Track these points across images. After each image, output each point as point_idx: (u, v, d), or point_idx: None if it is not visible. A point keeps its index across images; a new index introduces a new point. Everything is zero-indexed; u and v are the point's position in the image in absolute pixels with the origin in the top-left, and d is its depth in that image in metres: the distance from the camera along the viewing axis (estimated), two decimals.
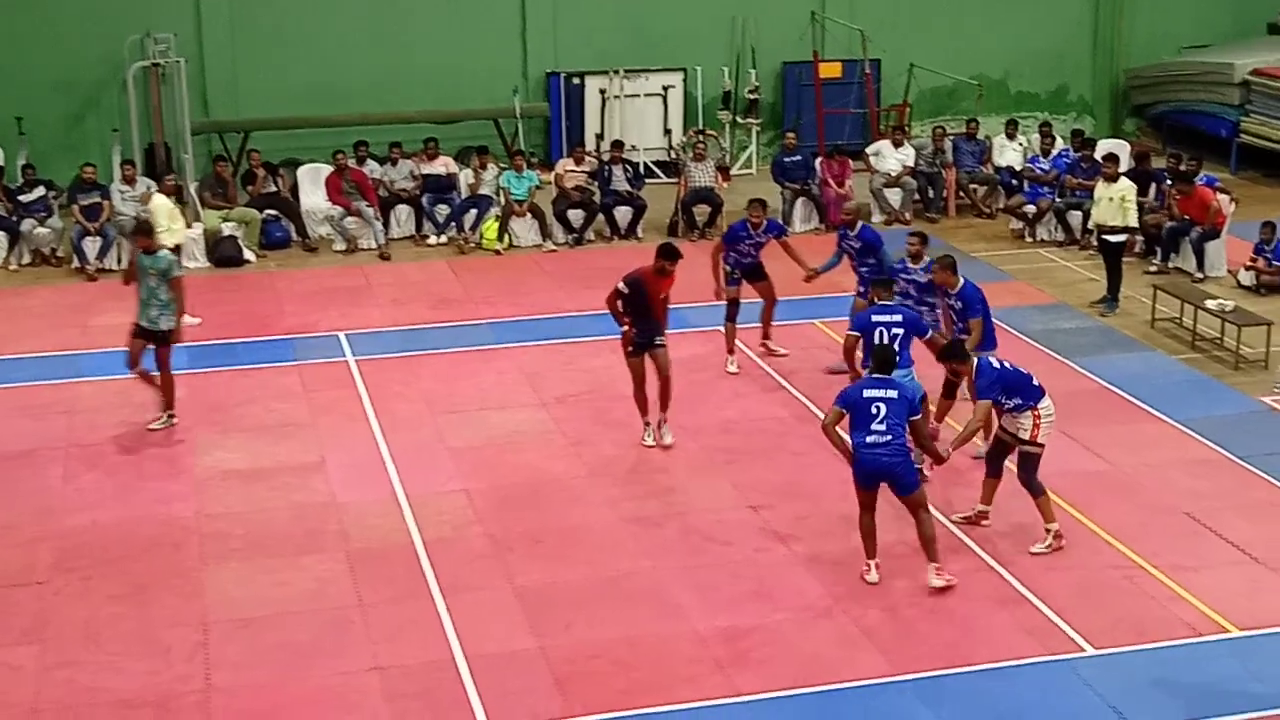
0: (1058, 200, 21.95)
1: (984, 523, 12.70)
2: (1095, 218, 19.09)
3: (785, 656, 10.84)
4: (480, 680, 10.51)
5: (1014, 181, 23.00)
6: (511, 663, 10.74)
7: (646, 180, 23.47)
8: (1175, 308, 18.05)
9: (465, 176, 22.41)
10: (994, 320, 14.24)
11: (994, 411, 12.28)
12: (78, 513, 13.24)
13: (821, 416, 15.01)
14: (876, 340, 13.27)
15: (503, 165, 22.65)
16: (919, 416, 11.80)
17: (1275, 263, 19.38)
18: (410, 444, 14.63)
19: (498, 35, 25.38)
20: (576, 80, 25.29)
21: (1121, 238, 18.59)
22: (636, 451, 14.36)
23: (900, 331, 13.37)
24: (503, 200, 21.86)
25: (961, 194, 23.54)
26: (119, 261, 19.89)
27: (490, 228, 21.72)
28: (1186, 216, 20.23)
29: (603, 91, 25.29)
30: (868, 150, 23.69)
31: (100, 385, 15.88)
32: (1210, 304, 17.42)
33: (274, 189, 22.10)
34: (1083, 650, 10.90)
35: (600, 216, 22.15)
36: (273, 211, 21.83)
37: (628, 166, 22.66)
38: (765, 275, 16.60)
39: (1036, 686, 10.50)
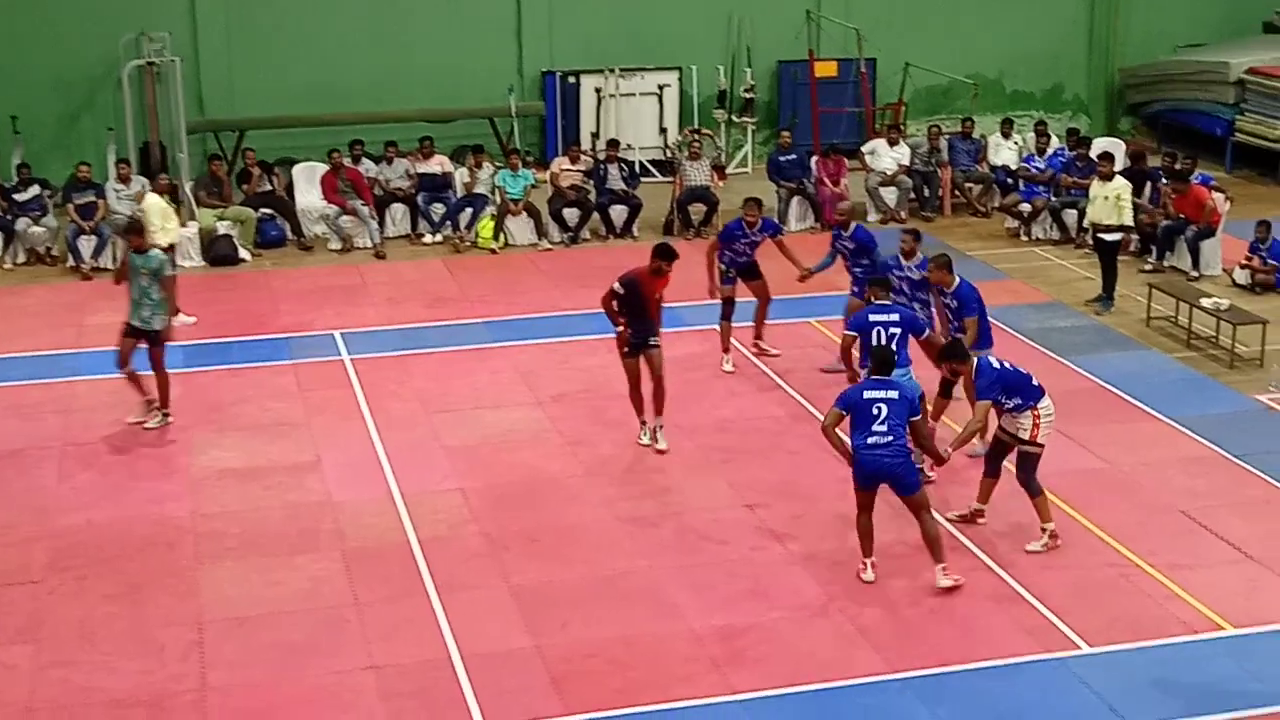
0: (1053, 199, 21.95)
1: (980, 521, 12.70)
2: (1090, 216, 19.10)
3: (781, 655, 10.84)
4: (476, 679, 10.50)
5: (1009, 180, 23.00)
6: (507, 662, 10.73)
7: (642, 179, 23.47)
8: (1170, 306, 18.05)
9: (461, 175, 22.39)
10: (990, 319, 14.24)
11: (993, 411, 12.26)
12: (72, 512, 13.22)
13: (818, 415, 15.08)
14: (874, 340, 13.26)
15: (498, 164, 22.63)
16: (919, 417, 11.79)
17: (1270, 261, 19.39)
18: (405, 443, 14.62)
19: (493, 34, 25.36)
20: (572, 79, 25.27)
21: (1117, 236, 18.59)
22: (632, 450, 14.35)
23: (898, 331, 13.37)
24: (498, 199, 21.85)
25: (957, 193, 23.54)
26: (114, 260, 19.85)
27: (486, 227, 21.71)
28: (1182, 215, 20.24)
29: (598, 90, 25.28)
30: (863, 149, 23.68)
31: (95, 384, 15.85)
32: (1205, 302, 17.43)
33: (269, 188, 22.09)
34: (1079, 649, 10.90)
35: (596, 215, 22.14)
36: (268, 210, 21.81)
37: (623, 165, 22.65)
38: (760, 274, 16.59)
39: (1033, 685, 10.50)
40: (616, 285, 14.04)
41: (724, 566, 12.17)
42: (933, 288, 14.37)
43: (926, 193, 23.29)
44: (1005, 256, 21.06)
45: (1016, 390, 12.12)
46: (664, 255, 14.00)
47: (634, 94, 25.39)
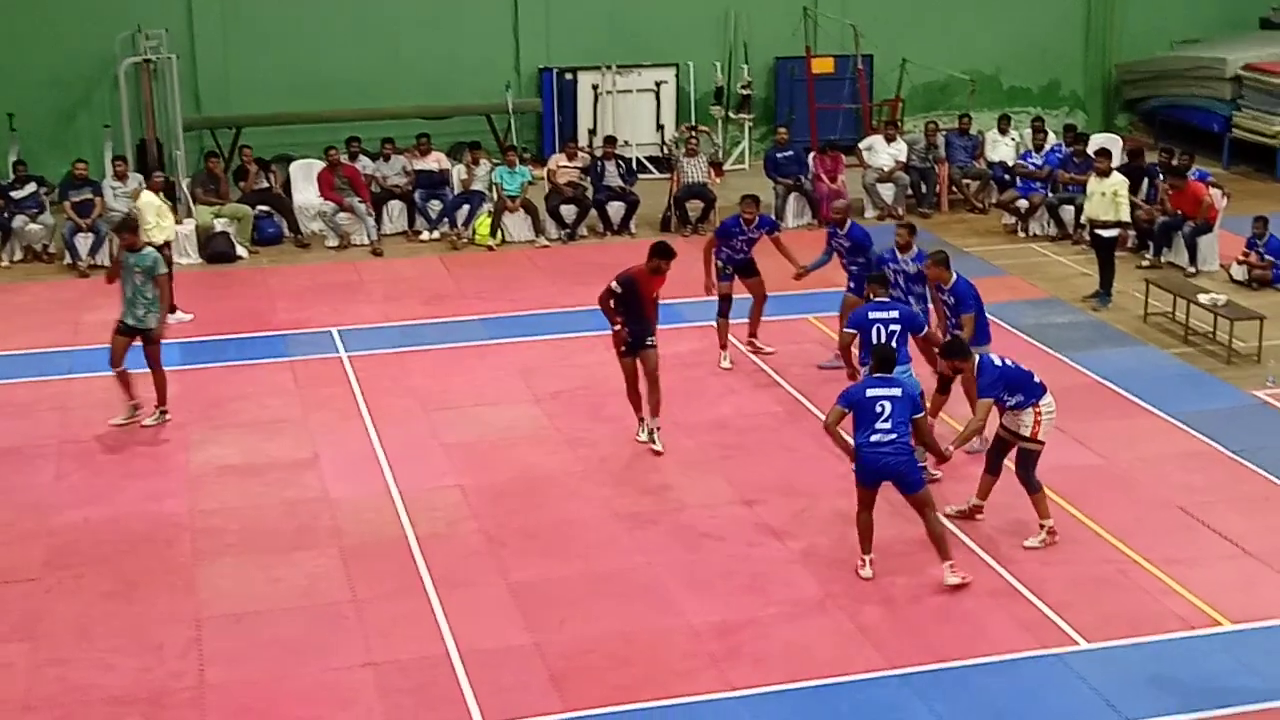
0: (1050, 195, 21.95)
1: (978, 517, 12.70)
2: (1088, 212, 19.10)
3: (780, 651, 10.84)
4: (474, 676, 10.50)
5: (1006, 176, 23.00)
6: (506, 658, 10.73)
7: (639, 176, 23.46)
8: (1168, 302, 18.06)
9: (458, 172, 22.37)
10: (988, 315, 14.25)
11: (994, 409, 12.24)
12: (70, 509, 13.22)
13: (816, 412, 15.12)
14: (874, 338, 13.25)
15: (495, 161, 22.62)
16: (922, 414, 11.78)
17: (1267, 257, 19.40)
18: (403, 440, 14.62)
19: (490, 31, 25.35)
20: (569, 76, 25.25)
21: (1114, 232, 18.60)
22: (630, 447, 14.35)
23: (898, 329, 13.36)
24: (495, 196, 21.84)
25: (954, 189, 23.54)
26: (111, 258, 19.82)
27: (483, 223, 21.70)
28: (1179, 211, 20.25)
29: (595, 87, 25.26)
30: (860, 145, 23.67)
31: (92, 382, 15.83)
32: (1202, 298, 17.43)
33: (266, 185, 22.08)
34: (1076, 644, 10.91)
35: (593, 212, 22.13)
36: (265, 207, 21.80)
37: (620, 162, 22.64)
38: (757, 272, 16.59)
39: (1030, 681, 10.51)
40: (614, 284, 13.99)
41: (722, 563, 12.17)
42: (930, 284, 14.37)
43: (924, 189, 23.29)
44: (1003, 253, 21.07)
45: (1018, 388, 12.12)
46: (662, 254, 13.96)
47: (631, 91, 25.38)
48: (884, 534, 12.02)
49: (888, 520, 12.13)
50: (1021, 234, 22.03)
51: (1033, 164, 22.66)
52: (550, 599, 11.58)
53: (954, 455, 12.30)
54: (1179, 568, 11.97)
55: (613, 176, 22.30)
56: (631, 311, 14.00)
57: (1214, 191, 20.56)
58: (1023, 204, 22.14)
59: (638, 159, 24.70)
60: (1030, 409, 12.14)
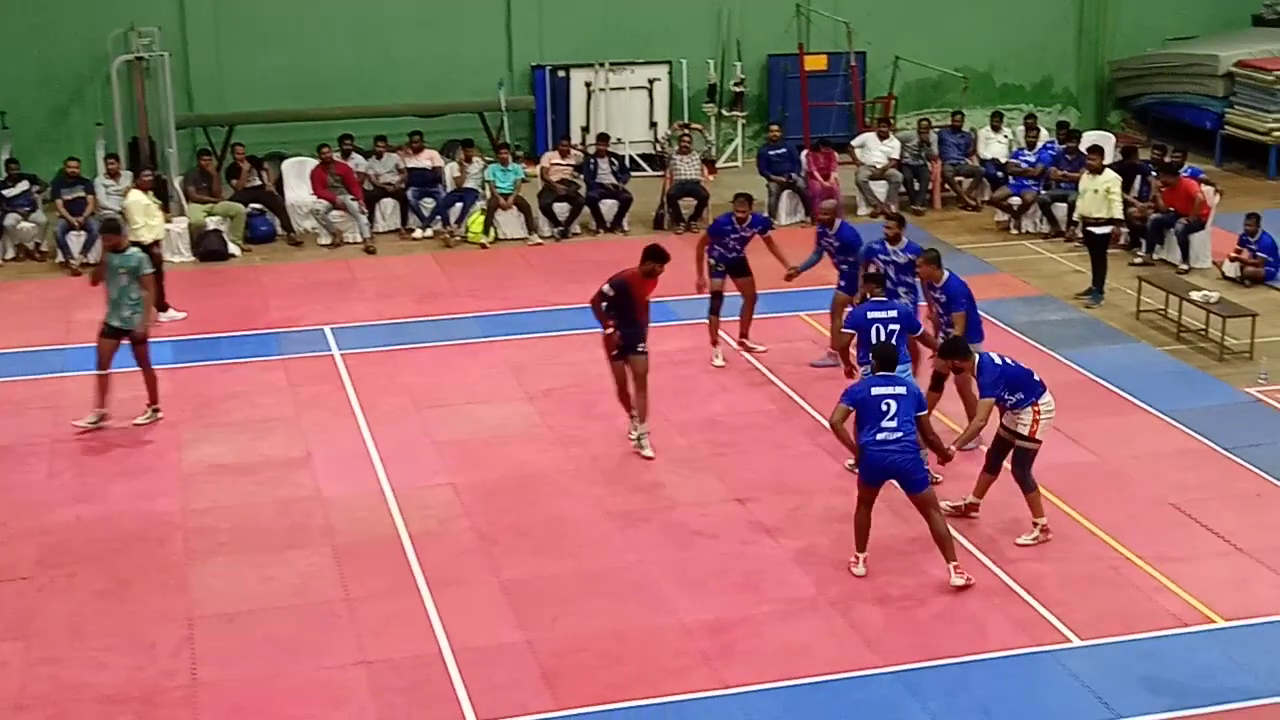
0: (1043, 192, 21.96)
1: (973, 514, 12.70)
2: (1080, 210, 19.11)
3: (772, 649, 10.84)
4: (467, 674, 10.49)
5: (999, 174, 23.01)
6: (498, 656, 10.73)
7: (632, 173, 23.41)
8: (1160, 299, 18.08)
9: (450, 170, 22.36)
10: (981, 313, 14.25)
11: (995, 409, 12.23)
12: (62, 508, 13.20)
13: (809, 410, 15.13)
14: (873, 337, 13.24)
15: (488, 158, 22.60)
16: (925, 412, 11.76)
17: (1259, 254, 19.42)
18: (396, 438, 14.60)
19: (483, 28, 25.34)
20: (562, 73, 25.26)
21: (1106, 229, 18.61)
22: (623, 445, 14.33)
23: (897, 328, 13.34)
24: (488, 194, 21.83)
25: (947, 186, 23.55)
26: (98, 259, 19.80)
27: (476, 221, 21.69)
28: (1171, 208, 20.26)
29: (588, 84, 25.27)
30: (853, 143, 23.68)
31: (84, 380, 15.76)
32: (1195, 295, 17.45)
33: (259, 183, 22.05)
34: (1069, 642, 10.92)
35: (586, 210, 22.12)
36: (257, 205, 21.77)
37: (613, 160, 22.64)
38: (748, 271, 16.57)
39: (1023, 678, 10.52)
40: (606, 287, 13.88)
41: (715, 561, 12.17)
42: (922, 283, 14.37)
43: (916, 186, 23.30)
44: (995, 250, 21.07)
45: (1019, 386, 12.12)
46: (656, 257, 13.86)
47: (624, 88, 25.39)
48: (878, 533, 12.01)
49: (880, 518, 12.10)
50: (1014, 231, 22.04)
51: (1025, 161, 22.68)
52: (542, 597, 11.57)
53: (954, 454, 12.25)
54: (1172, 565, 11.98)
55: (605, 174, 22.30)
56: (624, 315, 13.92)
57: (1206, 189, 20.57)
58: (1015, 201, 22.15)
59: (631, 156, 24.69)
60: (1029, 408, 12.14)
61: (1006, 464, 12.50)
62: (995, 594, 11.59)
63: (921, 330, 13.80)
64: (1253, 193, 23.47)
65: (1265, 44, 26.03)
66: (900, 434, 11.44)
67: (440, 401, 15.55)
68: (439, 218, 21.91)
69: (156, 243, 17.99)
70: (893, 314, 13.49)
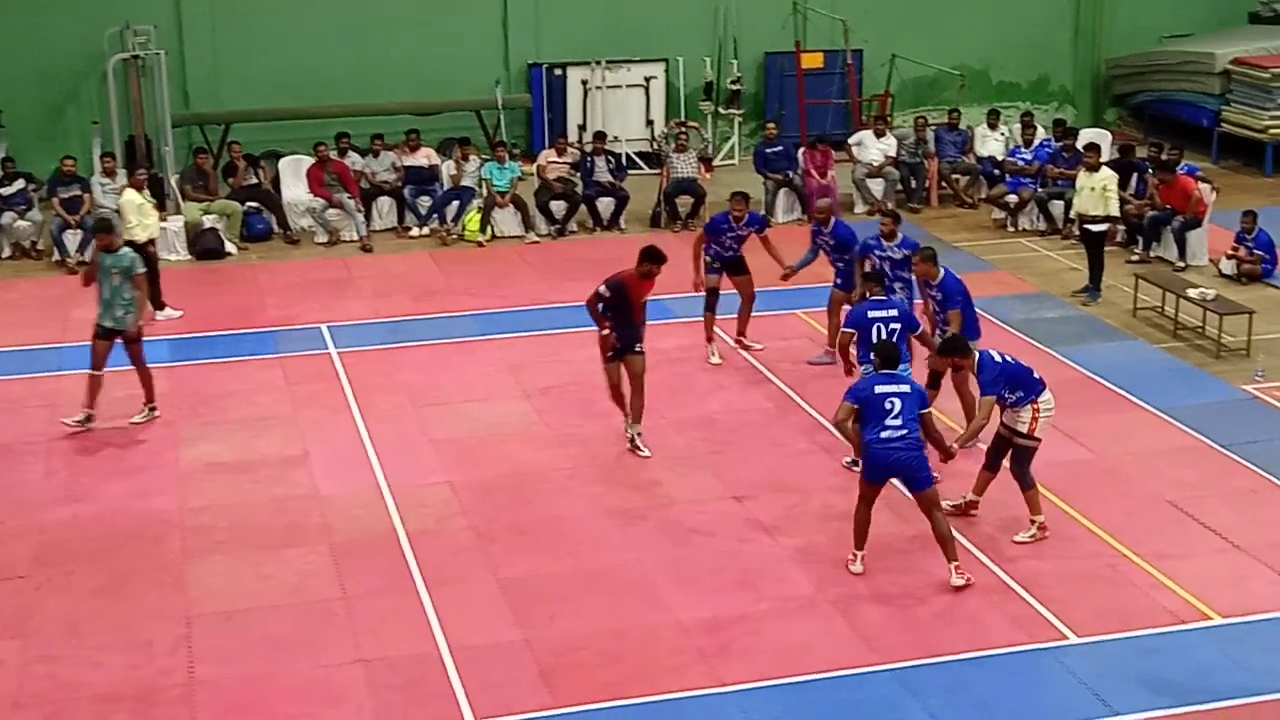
0: (1039, 190, 21.97)
1: (972, 512, 12.69)
2: (1077, 207, 19.11)
3: (769, 647, 10.84)
4: (464, 672, 10.49)
5: (996, 171, 23.01)
6: (496, 655, 10.73)
7: (629, 171, 23.43)
8: (1157, 297, 18.09)
9: (447, 168, 22.34)
10: (978, 310, 14.25)
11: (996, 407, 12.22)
12: (58, 506, 13.20)
13: (806, 408, 15.14)
14: (874, 336, 13.23)
15: (485, 157, 22.59)
16: (928, 411, 11.74)
17: (1256, 251, 19.43)
18: (393, 436, 14.60)
19: (479, 26, 25.33)
20: (558, 71, 25.25)
21: (1103, 227, 18.60)
22: (620, 443, 14.32)
23: (897, 327, 13.34)
24: (485, 192, 21.82)
25: (943, 184, 23.55)
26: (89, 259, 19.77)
27: (472, 219, 21.68)
28: (1168, 206, 20.27)
29: (585, 82, 25.26)
30: (850, 141, 23.67)
31: (80, 379, 15.70)
32: (1192, 293, 17.45)
33: (255, 181, 22.04)
34: (1067, 639, 10.92)
35: (583, 208, 22.11)
36: (254, 204, 21.76)
37: (610, 158, 22.63)
38: (746, 270, 16.56)
39: (1020, 675, 10.53)
40: (602, 288, 13.83)
41: (712, 559, 12.16)
42: (918, 281, 14.38)
43: (913, 184, 23.30)
44: (992, 248, 21.08)
45: (1019, 384, 12.11)
46: (653, 258, 13.82)
47: (620, 86, 25.39)
48: (875, 531, 11.99)
49: (879, 517, 12.08)
50: (1011, 229, 22.04)
51: (1022, 159, 22.68)
52: (540, 595, 11.57)
53: (956, 453, 12.23)
54: (1169, 562, 11.98)
55: (602, 172, 22.29)
56: (620, 316, 13.89)
57: (1203, 186, 20.59)
58: (1012, 199, 22.15)
59: (627, 154, 24.68)
60: (1029, 406, 12.13)
61: (1006, 462, 12.50)
62: (993, 592, 11.59)
63: (921, 329, 13.79)
64: (1249, 190, 23.48)
65: (1261, 41, 26.04)
66: (904, 432, 11.43)
67: (437, 400, 15.55)
68: (436, 216, 21.90)
69: (151, 241, 17.98)
70: (893, 313, 13.49)
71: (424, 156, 22.41)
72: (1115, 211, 18.83)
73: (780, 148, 22.79)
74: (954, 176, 23.50)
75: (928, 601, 11.46)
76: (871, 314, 13.47)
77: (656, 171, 23.48)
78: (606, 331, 13.93)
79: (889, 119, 24.80)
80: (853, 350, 13.58)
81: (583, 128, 24.97)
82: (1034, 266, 20.18)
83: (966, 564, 11.76)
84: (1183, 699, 10.16)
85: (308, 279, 19.85)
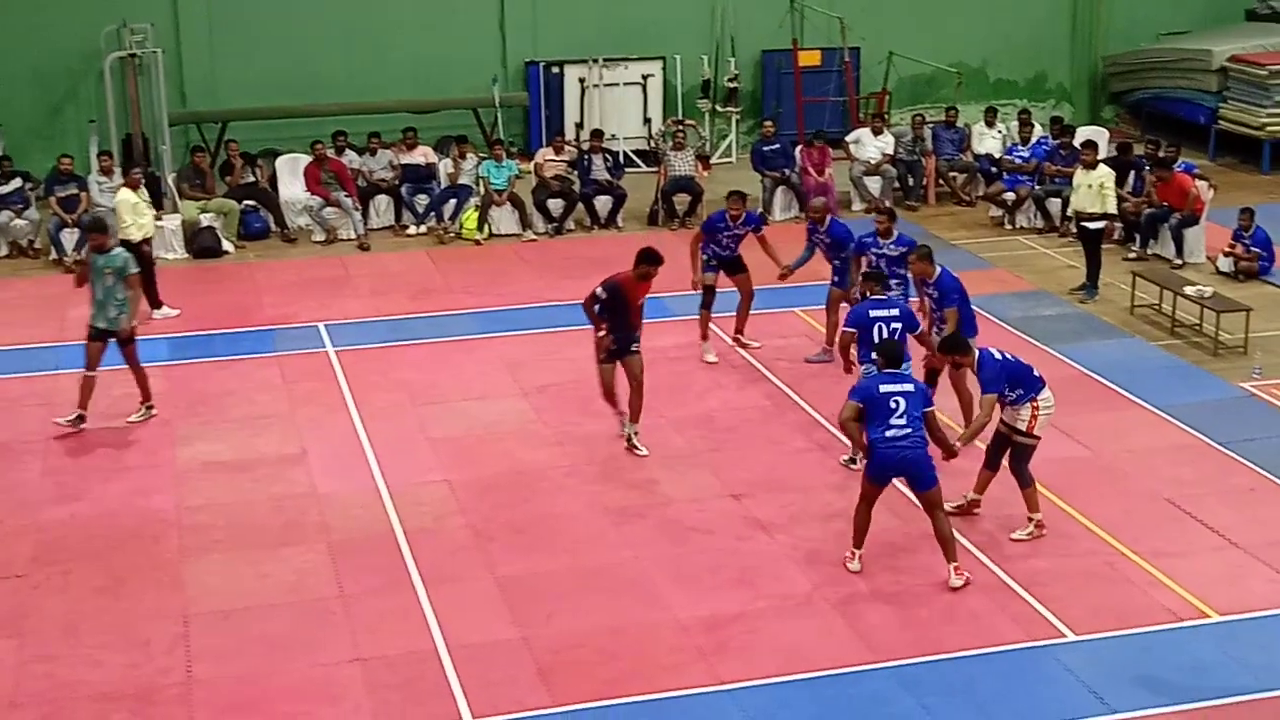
0: (1037, 188, 21.98)
1: (975, 511, 12.67)
2: (1074, 205, 19.11)
3: (767, 645, 10.84)
4: (462, 671, 10.49)
5: (993, 169, 23.02)
6: (494, 653, 10.72)
7: (626, 169, 23.44)
8: (1154, 294, 18.09)
9: (444, 166, 22.34)
10: (975, 308, 14.25)
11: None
12: (57, 505, 13.19)
13: (804, 406, 15.14)
14: (875, 335, 13.22)
15: (482, 155, 22.59)
16: (932, 409, 11.73)
17: (1253, 249, 19.44)
18: (391, 435, 14.60)
19: (476, 24, 25.32)
20: (555, 69, 25.24)
21: (1100, 225, 18.61)
22: (618, 442, 14.31)
23: (899, 326, 13.33)
24: (482, 190, 21.81)
25: (941, 182, 23.56)
26: (79, 260, 19.73)
27: (470, 217, 21.67)
28: (1165, 203, 20.28)
29: (582, 80, 25.25)
30: (847, 139, 23.67)
31: (78, 378, 15.73)
32: (1189, 290, 17.46)
33: (252, 179, 22.04)
34: (1065, 636, 10.93)
35: (580, 206, 22.10)
36: (251, 202, 21.75)
37: (607, 156, 22.63)
38: (744, 268, 16.56)
39: (1018, 672, 10.52)
40: (599, 290, 13.82)
41: (710, 557, 12.16)
42: (915, 280, 14.39)
43: (911, 182, 23.30)
44: (989, 245, 21.08)
45: (1019, 382, 12.11)
46: (650, 260, 13.81)
47: (618, 84, 25.38)
48: (873, 529, 11.97)
49: (877, 514, 12.05)
50: (1008, 226, 22.05)
51: (1019, 157, 22.68)
52: (538, 593, 11.57)
53: (959, 451, 12.21)
54: (1167, 560, 11.99)
55: (600, 170, 22.28)
56: (617, 317, 13.88)
57: (1200, 183, 20.60)
58: (1009, 196, 22.16)
59: (625, 153, 24.68)
60: (1028, 404, 12.13)
61: (1005, 460, 12.49)
62: (991, 590, 11.59)
63: (920, 329, 13.78)
64: (1246, 187, 23.49)
65: (1258, 39, 26.05)
66: (909, 431, 11.41)
67: (435, 398, 15.55)
68: (433, 214, 21.90)
69: (146, 241, 17.97)
70: (894, 312, 13.48)
71: (421, 155, 22.40)
72: (1113, 209, 18.84)
73: (777, 145, 22.79)
74: (951, 174, 23.50)
75: (925, 599, 11.46)
76: (873, 313, 13.46)
77: (654, 170, 23.48)
78: (603, 333, 13.92)
79: (886, 117, 24.80)
80: (853, 349, 13.57)
81: (580, 126, 24.97)
82: (1031, 264, 20.19)
83: (964, 562, 11.75)
84: (1180, 697, 10.16)
85: (305, 277, 19.85)
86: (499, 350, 16.91)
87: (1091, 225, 18.55)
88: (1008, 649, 10.79)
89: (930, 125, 23.87)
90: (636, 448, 14.11)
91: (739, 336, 16.83)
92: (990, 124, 23.77)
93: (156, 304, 18.05)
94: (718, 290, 16.44)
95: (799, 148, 22.93)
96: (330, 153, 21.93)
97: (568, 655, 10.71)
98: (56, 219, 20.39)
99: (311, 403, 15.45)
